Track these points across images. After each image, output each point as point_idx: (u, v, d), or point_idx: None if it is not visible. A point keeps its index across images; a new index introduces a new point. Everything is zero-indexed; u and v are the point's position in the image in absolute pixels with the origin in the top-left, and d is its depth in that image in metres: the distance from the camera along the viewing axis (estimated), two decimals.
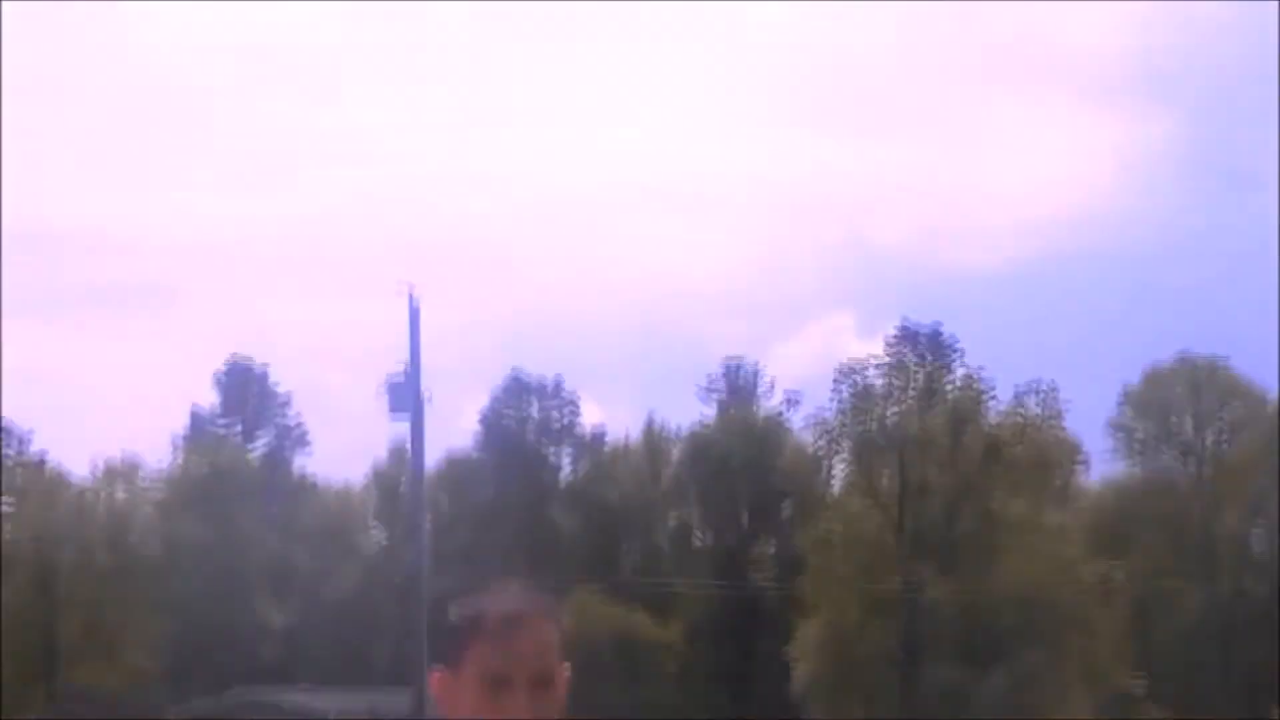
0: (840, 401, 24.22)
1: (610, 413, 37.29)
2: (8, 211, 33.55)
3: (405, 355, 15.76)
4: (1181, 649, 24.11)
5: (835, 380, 24.23)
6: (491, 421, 27.44)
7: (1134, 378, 26.00)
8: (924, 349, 24.04)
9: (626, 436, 27.64)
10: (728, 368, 27.62)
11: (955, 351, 24.09)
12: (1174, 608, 24.35)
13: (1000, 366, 26.06)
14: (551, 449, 27.69)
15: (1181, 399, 25.88)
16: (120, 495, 26.35)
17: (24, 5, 32.92)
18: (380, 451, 27.44)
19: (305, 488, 27.49)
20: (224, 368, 27.88)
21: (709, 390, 27.51)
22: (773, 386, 27.51)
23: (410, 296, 15.55)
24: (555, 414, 27.58)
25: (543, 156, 36.54)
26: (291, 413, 27.90)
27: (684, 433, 27.23)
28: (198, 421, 27.75)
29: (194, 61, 36.65)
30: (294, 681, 22.68)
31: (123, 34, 36.14)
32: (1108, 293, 37.64)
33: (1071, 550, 22.95)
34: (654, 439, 27.64)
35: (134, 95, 37.29)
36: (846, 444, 24.63)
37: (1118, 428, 26.00)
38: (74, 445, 39.22)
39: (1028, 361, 35.69)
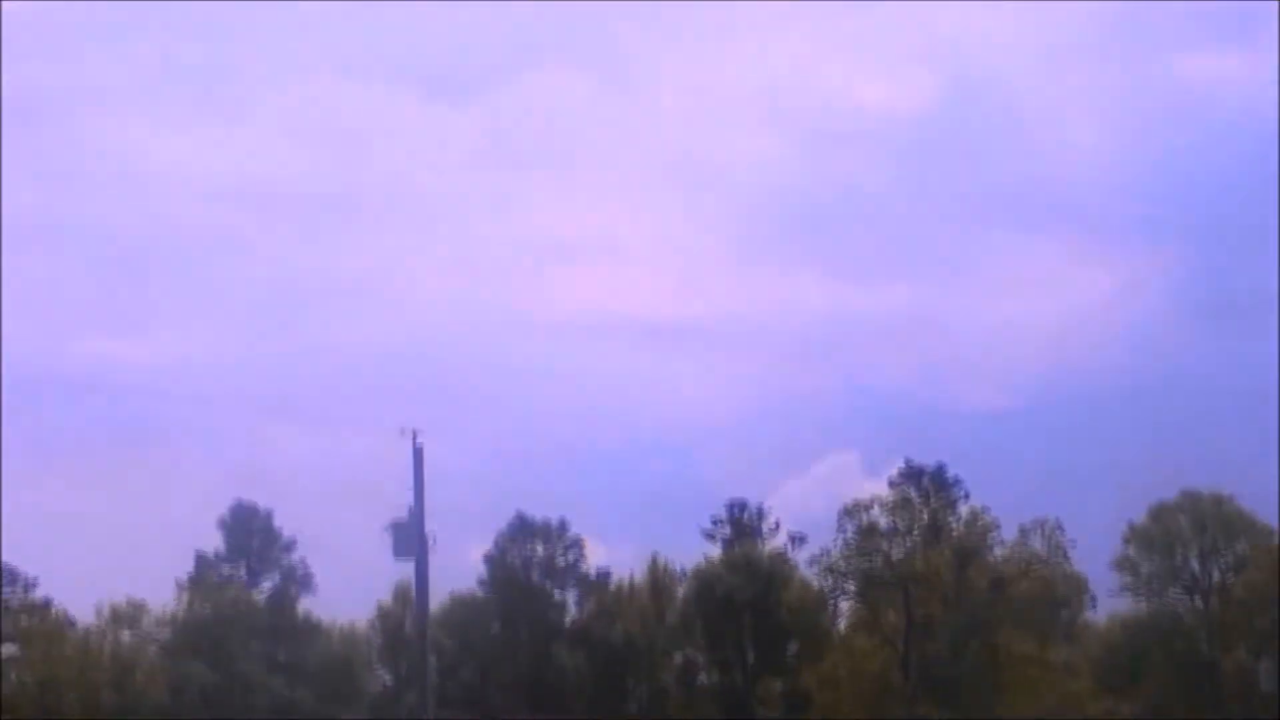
0: (845, 539, 24.23)
1: (615, 552, 37.05)
2: (8, 356, 33.64)
3: (409, 497, 15.80)
4: None
5: (840, 518, 24.29)
6: (496, 562, 27.41)
7: (1139, 514, 26.04)
8: (928, 487, 24.09)
9: (631, 576, 27.58)
10: (731, 507, 27.62)
11: (959, 489, 24.15)
12: None
13: (1004, 504, 26.05)
14: (556, 589, 27.61)
15: (1186, 535, 25.82)
16: (125, 639, 26.30)
17: (24, 155, 33.33)
18: (384, 592, 27.50)
19: (310, 629, 27.41)
20: (228, 511, 28.01)
21: (713, 529, 27.53)
22: (777, 525, 27.51)
23: (414, 438, 15.62)
24: (560, 554, 27.57)
25: (548, 297, 36.77)
26: (296, 555, 28.01)
27: (688, 572, 27.21)
28: (202, 564, 27.72)
29: (198, 204, 36.97)
30: None
31: (123, 177, 36.51)
32: (1111, 430, 37.58)
33: (1078, 686, 22.88)
34: (659, 578, 27.55)
35: (136, 239, 37.56)
36: (851, 582, 24.61)
37: (1123, 563, 25.96)
38: (78, 589, 38.96)
39: (1032, 499, 35.51)
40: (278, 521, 28.15)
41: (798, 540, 26.93)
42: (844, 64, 37.49)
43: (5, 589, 25.21)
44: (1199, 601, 25.69)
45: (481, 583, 27.12)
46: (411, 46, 38.18)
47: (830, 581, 25.00)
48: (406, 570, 16.45)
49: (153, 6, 37.04)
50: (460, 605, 26.84)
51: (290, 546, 28.07)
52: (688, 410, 34.83)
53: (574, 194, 37.45)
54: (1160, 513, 25.82)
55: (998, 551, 23.81)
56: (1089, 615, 25.65)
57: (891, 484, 24.21)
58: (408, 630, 23.99)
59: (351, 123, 36.30)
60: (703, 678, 27.54)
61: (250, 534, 28.00)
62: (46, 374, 33.82)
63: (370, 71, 38.07)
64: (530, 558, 27.31)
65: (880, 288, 36.20)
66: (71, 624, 25.75)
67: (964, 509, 24.07)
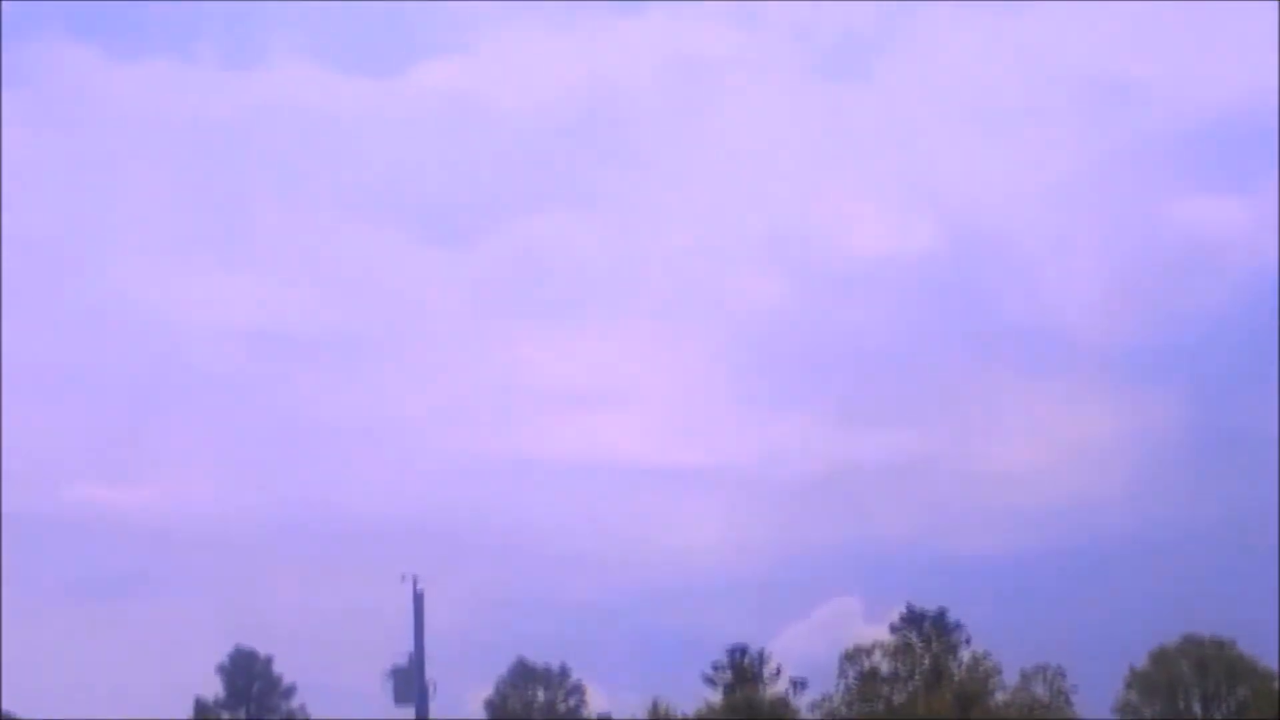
0: (847, 684, 24.16)
1: (616, 698, 36.86)
2: (8, 499, 33.58)
3: (409, 643, 15.74)
4: None
5: (842, 663, 24.22)
6: (497, 707, 27.27)
7: (1140, 659, 25.94)
8: (930, 631, 24.04)
9: None
10: (733, 652, 27.52)
11: (961, 634, 24.10)
12: None
13: (1006, 649, 25.98)
14: None
15: (1188, 679, 25.73)
16: None
17: (23, 300, 33.43)
18: None
19: None
20: (227, 657, 27.93)
21: (714, 674, 27.41)
22: (779, 671, 27.41)
23: (414, 584, 15.59)
24: (561, 700, 27.45)
25: (548, 441, 36.70)
26: (296, 701, 27.86)
27: (690, 717, 27.05)
28: (202, 710, 27.57)
29: (196, 347, 37.02)
30: None
31: (120, 320, 36.60)
32: (1112, 574, 37.50)
33: None
34: None
35: (133, 382, 37.57)
36: None
37: (1125, 708, 25.84)
38: None
39: (1033, 644, 35.42)
40: (278, 668, 28.09)
41: (799, 685, 26.84)
42: (844, 208, 37.70)
43: None
44: None
45: None
46: (412, 190, 38.43)
47: None
48: (407, 717, 16.37)
49: (150, 150, 37.36)
50: None
51: (290, 693, 27.98)
52: (688, 555, 34.68)
53: (574, 337, 37.55)
54: (1162, 657, 25.74)
55: (1000, 697, 23.73)
56: None
57: (893, 629, 24.17)
58: None
59: (352, 266, 36.46)
60: None
61: (250, 680, 27.90)
62: (43, 517, 33.71)
63: (371, 214, 38.27)
64: (531, 703, 27.21)
65: (882, 431, 36.19)
66: None
67: (966, 654, 24.04)
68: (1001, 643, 30.47)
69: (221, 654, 28.24)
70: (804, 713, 26.31)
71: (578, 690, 27.50)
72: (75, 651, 35.64)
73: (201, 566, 38.98)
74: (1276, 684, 24.75)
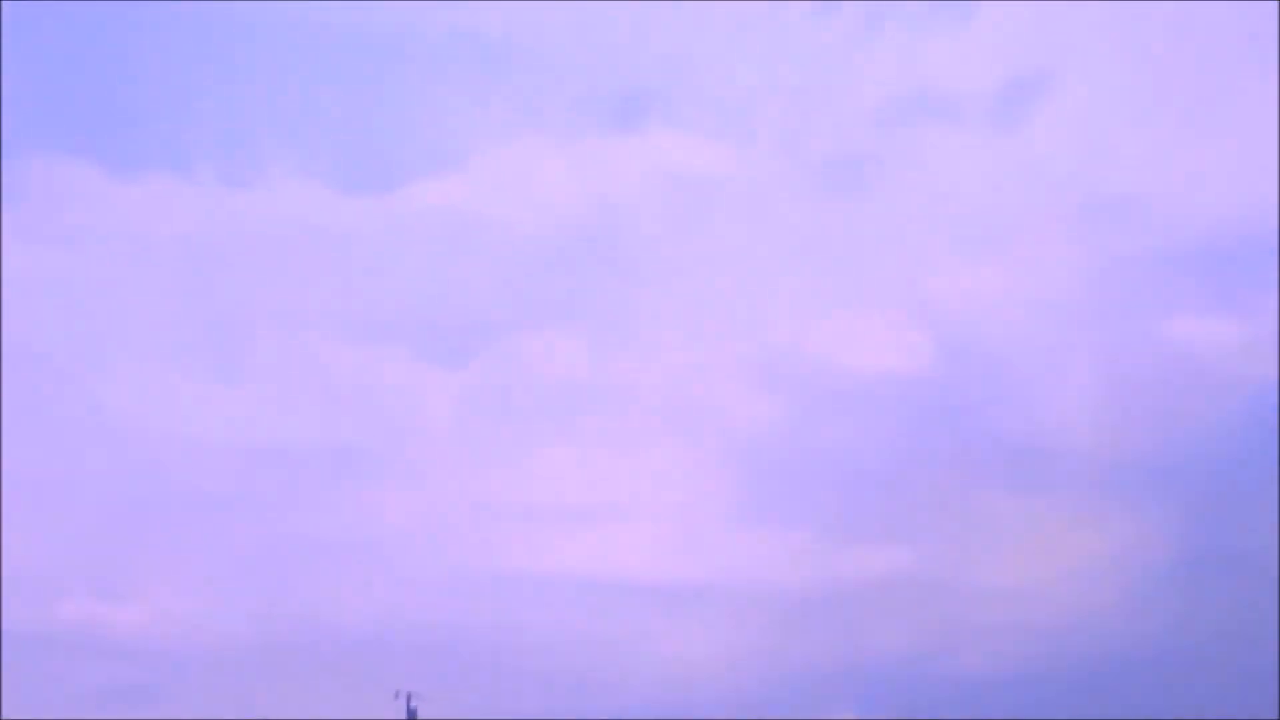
0: None
1: None
2: (7, 615, 33.54)
3: None
4: None
5: None
6: None
7: None
8: None
9: None
10: None
11: None
12: None
13: None
14: None
15: None
16: None
17: (19, 414, 33.47)
18: None
19: None
20: None
21: None
22: None
23: (407, 701, 15.59)
24: None
25: (543, 557, 36.63)
26: None
27: None
28: None
29: (190, 462, 37.03)
30: None
31: (113, 434, 36.63)
32: (1107, 692, 37.40)
33: None
34: None
35: (129, 498, 37.53)
36: None
37: None
38: None
39: None
40: None
41: None
42: (839, 324, 37.81)
43: None
44: None
45: None
46: (408, 306, 38.46)
47: None
48: None
49: (148, 265, 37.49)
50: None
51: None
52: (683, 670, 34.61)
53: (568, 453, 37.52)
54: None
55: None
56: None
57: None
58: None
59: (347, 382, 36.51)
60: None
61: None
62: (38, 634, 33.65)
63: (366, 330, 38.30)
64: None
65: (876, 548, 36.14)
66: None
67: None
68: None
69: None
70: None
71: None
72: None
73: (196, 682, 38.86)
74: None
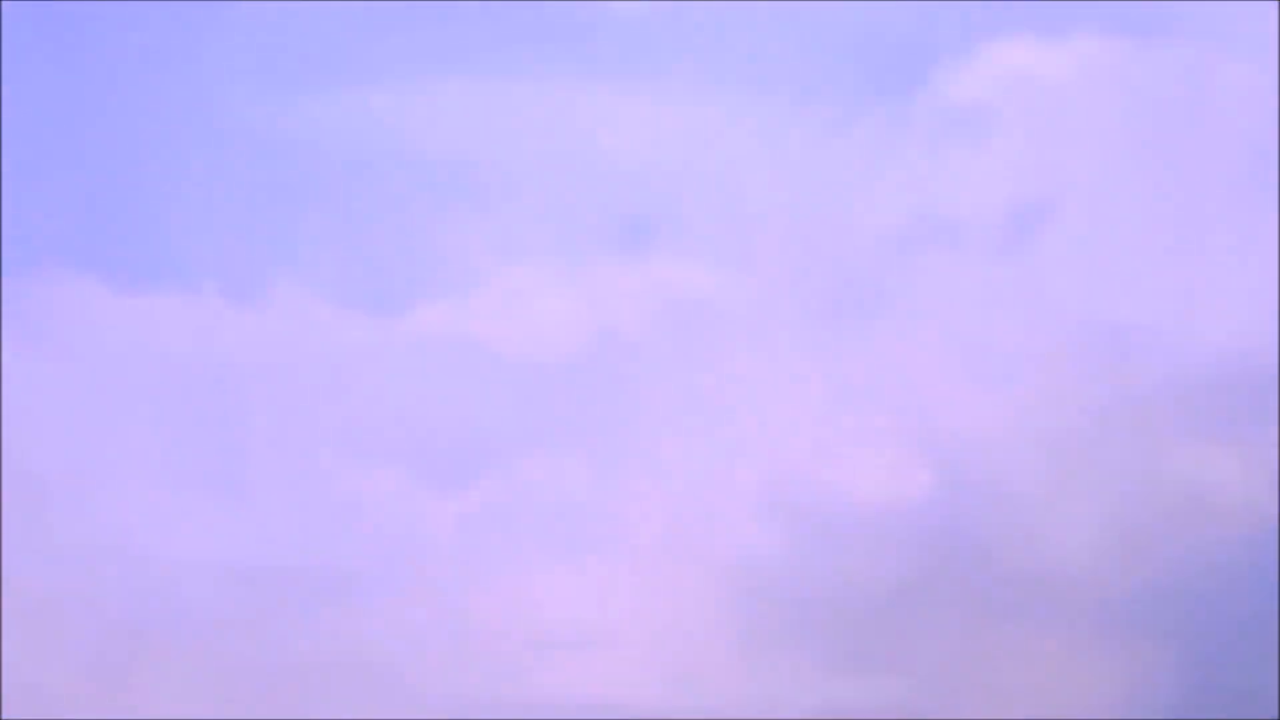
0: None
1: None
2: None
3: None
4: None
5: None
6: None
7: None
8: None
9: None
10: None
11: None
12: None
13: None
14: None
15: None
16: None
17: (18, 533, 33.26)
18: None
19: None
20: None
21: None
22: None
23: None
24: None
25: (542, 683, 36.38)
26: None
27: None
28: None
29: (190, 584, 36.84)
30: None
31: (114, 555, 36.44)
32: None
33: None
34: None
35: (127, 618, 37.32)
36: None
37: None
38: None
39: None
40: None
41: None
42: (842, 454, 37.78)
43: None
44: None
45: None
46: (409, 428, 38.39)
47: None
48: None
49: (150, 382, 37.44)
50: None
51: None
52: None
53: (567, 579, 37.36)
54: None
55: None
56: None
57: None
58: None
59: (347, 503, 36.37)
60: None
61: None
62: None
63: (367, 452, 38.17)
64: None
65: (878, 681, 35.90)
66: None
67: None
68: None
69: None
70: None
71: None
72: None
73: None
74: None
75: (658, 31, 34.92)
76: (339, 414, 37.24)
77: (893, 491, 36.98)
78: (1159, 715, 35.85)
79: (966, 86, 34.87)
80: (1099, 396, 35.87)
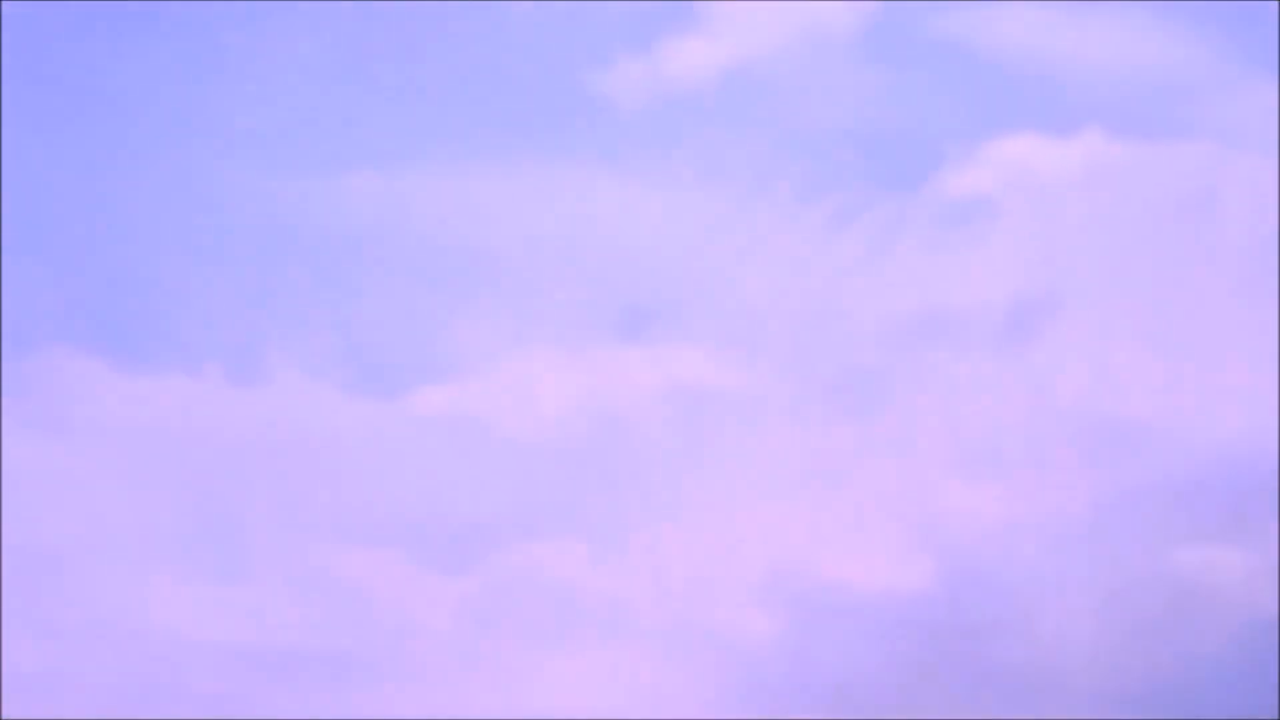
0: None
1: None
2: None
3: None
4: None
5: None
6: None
7: None
8: None
9: None
10: None
11: None
12: None
13: None
14: None
15: None
16: None
17: (19, 611, 33.23)
18: None
19: None
20: None
21: None
22: None
23: None
24: None
25: None
26: None
27: None
28: None
29: (189, 663, 36.83)
30: None
31: (115, 632, 36.44)
32: None
33: None
34: None
35: (126, 696, 37.32)
36: None
37: None
38: None
39: None
40: None
41: None
42: (841, 542, 37.81)
43: None
44: None
45: None
46: (409, 512, 38.38)
47: None
48: None
49: (151, 463, 37.45)
50: None
51: None
52: None
53: (565, 664, 37.34)
54: None
55: None
56: None
57: None
58: None
59: (347, 586, 36.34)
60: None
61: None
62: None
63: (367, 535, 38.17)
64: None
65: None
66: None
67: None
68: None
69: None
70: None
71: None
72: None
73: None
74: None
75: (663, 122, 34.97)
76: (339, 495, 37.27)
77: (893, 580, 37.00)
78: None
79: (970, 182, 34.92)
80: (1100, 490, 35.87)
